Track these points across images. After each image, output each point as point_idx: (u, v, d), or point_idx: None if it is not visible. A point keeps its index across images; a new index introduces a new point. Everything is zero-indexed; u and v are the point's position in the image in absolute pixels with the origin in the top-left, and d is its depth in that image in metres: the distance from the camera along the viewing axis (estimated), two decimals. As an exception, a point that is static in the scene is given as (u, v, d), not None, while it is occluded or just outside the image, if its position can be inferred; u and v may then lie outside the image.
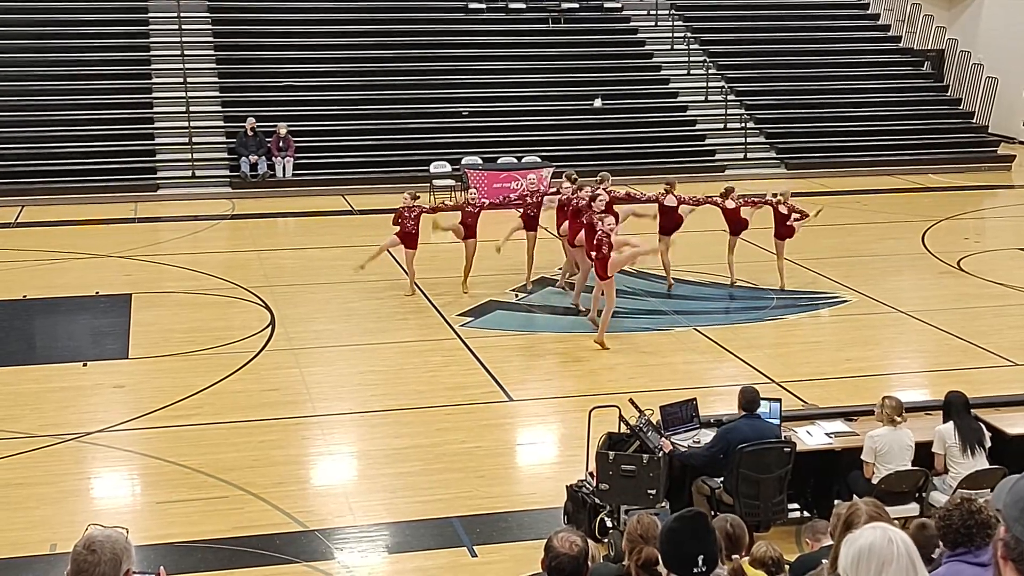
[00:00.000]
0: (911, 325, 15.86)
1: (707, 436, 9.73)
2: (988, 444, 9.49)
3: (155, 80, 26.88)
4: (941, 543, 4.82)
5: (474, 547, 9.57)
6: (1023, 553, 2.29)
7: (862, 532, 3.35)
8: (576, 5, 30.29)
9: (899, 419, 9.43)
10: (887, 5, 33.15)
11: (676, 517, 4.49)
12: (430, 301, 16.67)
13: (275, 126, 25.08)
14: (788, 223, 17.09)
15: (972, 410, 9.66)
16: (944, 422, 9.61)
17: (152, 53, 27.46)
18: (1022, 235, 21.52)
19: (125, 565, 3.77)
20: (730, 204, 17.10)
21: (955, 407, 9.56)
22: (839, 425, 10.21)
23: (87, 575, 3.72)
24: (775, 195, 17.29)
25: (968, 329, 15.37)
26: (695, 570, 4.36)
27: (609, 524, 9.29)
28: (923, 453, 9.53)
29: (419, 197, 17.29)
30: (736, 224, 17.15)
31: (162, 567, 4.12)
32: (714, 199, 17.14)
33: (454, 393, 13.16)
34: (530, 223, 17.05)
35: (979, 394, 11.03)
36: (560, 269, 17.44)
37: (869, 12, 32.81)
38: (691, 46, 29.77)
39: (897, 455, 9.35)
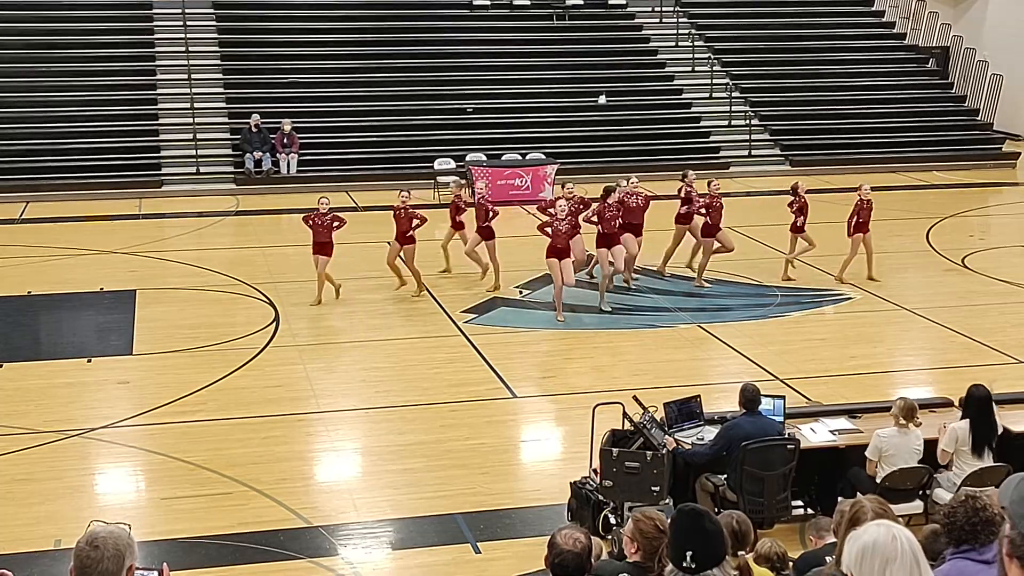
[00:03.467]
0: (916, 322, 15.84)
1: (711, 433, 9.73)
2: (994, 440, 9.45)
3: (159, 76, 26.90)
4: (945, 540, 4.81)
5: (478, 543, 9.57)
6: None
7: (866, 529, 3.34)
8: (580, 2, 30.27)
9: (910, 422, 9.37)
10: (892, 2, 33.07)
11: (676, 510, 4.57)
12: (434, 298, 16.67)
13: (279, 123, 25.10)
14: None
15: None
16: (963, 416, 9.53)
17: (156, 50, 27.49)
18: (1027, 232, 21.50)
19: (128, 561, 3.77)
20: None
21: (977, 404, 9.44)
22: (843, 422, 10.20)
23: (90, 571, 3.72)
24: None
25: (973, 326, 15.35)
26: (683, 564, 4.44)
27: (613, 521, 9.29)
28: (930, 451, 9.50)
29: (410, 194, 17.23)
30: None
31: (165, 563, 4.11)
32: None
33: (458, 389, 13.17)
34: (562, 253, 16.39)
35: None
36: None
37: (874, 9, 32.76)
38: (695, 43, 29.75)
39: (904, 457, 9.30)
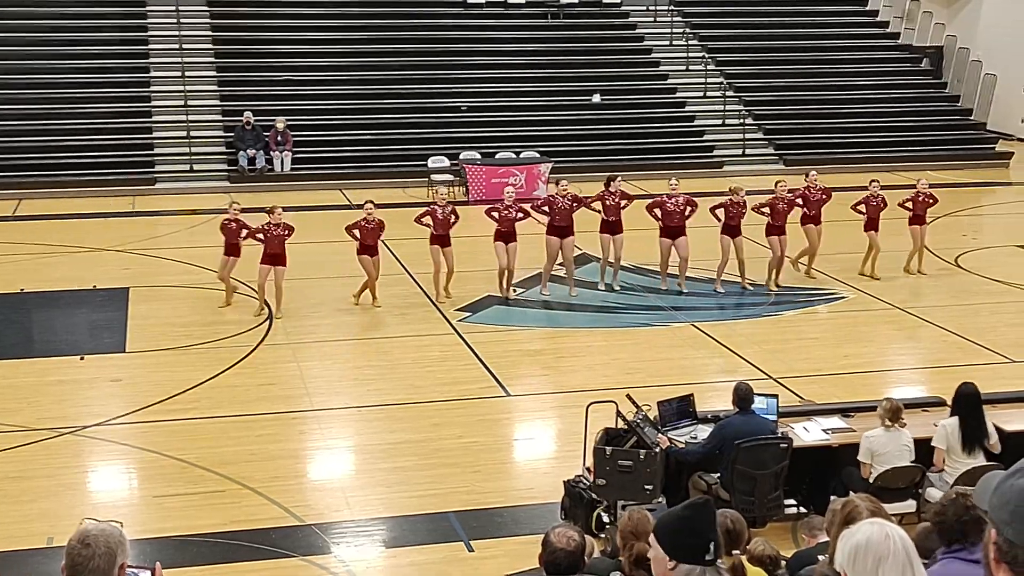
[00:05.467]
0: (909, 322, 15.87)
1: (704, 432, 9.74)
2: (993, 441, 9.45)
3: (153, 74, 26.84)
4: (937, 539, 4.81)
5: (470, 542, 9.57)
6: (1016, 556, 2.27)
7: (859, 527, 3.34)
8: (575, 0, 30.26)
9: (896, 423, 9.38)
10: (886, 1, 33.12)
11: (687, 506, 4.40)
12: (428, 296, 16.65)
13: (273, 120, 25.06)
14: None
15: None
16: (952, 415, 9.56)
17: (150, 47, 27.43)
18: (1020, 232, 21.53)
19: (120, 559, 3.75)
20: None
21: (965, 401, 9.48)
22: (836, 421, 10.21)
23: (82, 569, 3.71)
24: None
25: (966, 326, 15.38)
26: (707, 557, 4.28)
27: (606, 519, 9.30)
28: (922, 451, 9.51)
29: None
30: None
31: (158, 562, 4.10)
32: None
33: (451, 388, 13.16)
34: (508, 237, 16.51)
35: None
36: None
37: (868, 8, 32.80)
38: (690, 42, 29.75)
39: (895, 456, 9.31)
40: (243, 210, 16.44)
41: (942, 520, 4.70)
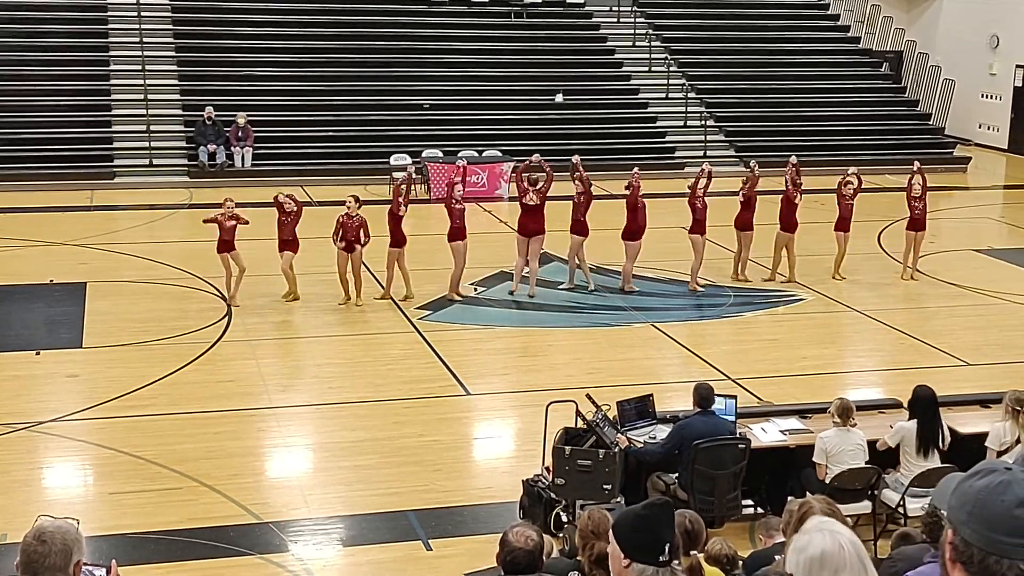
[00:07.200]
0: (866, 324, 16.00)
1: (663, 432, 9.78)
2: (946, 444, 9.56)
3: (113, 67, 26.62)
4: (927, 540, 4.87)
5: (429, 541, 9.57)
6: (972, 556, 2.31)
7: (811, 539, 3.32)
8: (538, 0, 30.30)
9: (847, 423, 9.46)
10: (847, 6, 33.39)
11: (647, 505, 4.39)
12: (389, 295, 16.60)
13: (234, 115, 24.90)
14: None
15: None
16: (910, 417, 9.64)
17: (110, 40, 27.19)
18: (977, 236, 21.78)
19: (76, 556, 3.74)
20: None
21: (922, 404, 9.58)
22: (794, 422, 10.29)
23: (37, 566, 3.69)
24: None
25: (922, 329, 15.53)
26: (661, 558, 4.28)
27: (564, 519, 9.32)
28: (875, 453, 9.60)
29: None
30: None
31: (114, 559, 4.08)
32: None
33: (411, 386, 13.14)
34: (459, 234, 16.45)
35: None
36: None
37: (829, 13, 33.05)
38: (652, 43, 29.85)
39: (849, 455, 9.40)
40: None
41: (934, 521, 4.76)
